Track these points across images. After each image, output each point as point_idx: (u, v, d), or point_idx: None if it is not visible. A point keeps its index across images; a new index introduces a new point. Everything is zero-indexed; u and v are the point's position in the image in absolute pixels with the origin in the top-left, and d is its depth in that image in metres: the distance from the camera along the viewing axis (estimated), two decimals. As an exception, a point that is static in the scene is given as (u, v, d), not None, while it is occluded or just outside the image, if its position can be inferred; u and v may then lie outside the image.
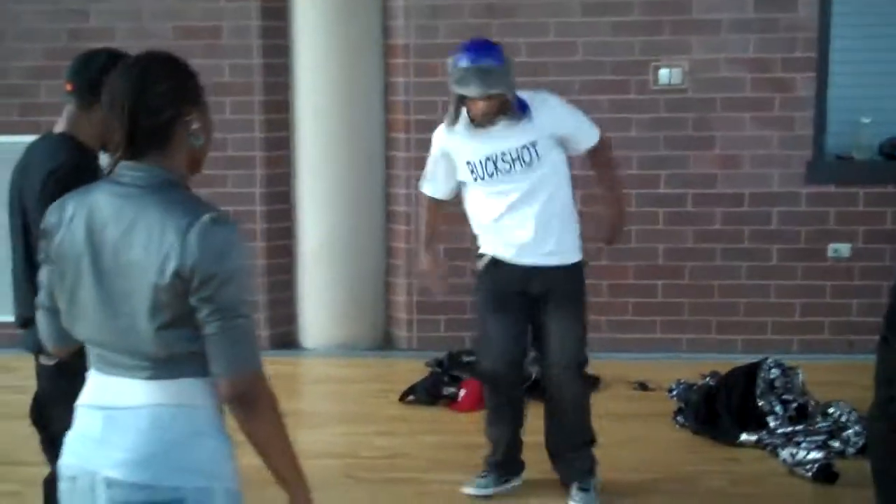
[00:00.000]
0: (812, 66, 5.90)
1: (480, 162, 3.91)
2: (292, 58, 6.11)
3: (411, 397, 5.28)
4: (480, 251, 4.10)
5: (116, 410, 2.04)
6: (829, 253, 5.97)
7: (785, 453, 4.43)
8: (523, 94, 3.91)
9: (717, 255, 6.04)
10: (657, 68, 5.94)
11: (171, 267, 1.94)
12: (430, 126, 6.02)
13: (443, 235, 6.06)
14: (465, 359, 5.46)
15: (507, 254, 3.99)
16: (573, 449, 4.11)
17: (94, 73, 2.85)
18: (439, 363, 5.57)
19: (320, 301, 6.24)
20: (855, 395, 4.86)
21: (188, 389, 2.03)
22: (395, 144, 6.17)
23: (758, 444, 4.61)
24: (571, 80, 5.92)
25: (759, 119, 5.94)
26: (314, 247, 6.20)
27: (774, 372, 4.94)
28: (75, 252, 2.05)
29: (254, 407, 2.02)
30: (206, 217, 1.97)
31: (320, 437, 4.95)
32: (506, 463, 4.19)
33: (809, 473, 4.28)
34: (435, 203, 4.24)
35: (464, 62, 3.79)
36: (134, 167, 2.04)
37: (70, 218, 2.06)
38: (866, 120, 5.91)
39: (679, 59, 5.93)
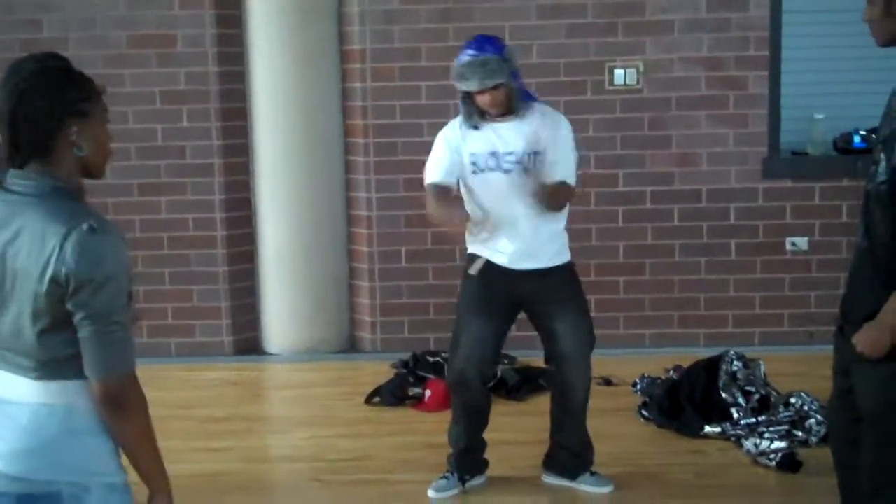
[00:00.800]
0: (765, 65, 5.98)
1: (483, 155, 3.92)
2: (248, 65, 6.09)
3: (376, 399, 5.28)
4: (470, 251, 4.08)
5: (4, 404, 2.15)
6: (787, 246, 6.05)
7: (749, 444, 4.48)
8: (545, 106, 4.02)
9: (676, 251, 6.10)
10: (612, 69, 5.99)
11: (49, 274, 2.03)
12: (389, 130, 6.08)
13: (408, 237, 6.10)
14: (430, 359, 5.48)
15: (499, 260, 3.99)
16: (583, 442, 4.19)
17: None
18: (404, 364, 5.57)
19: (283, 306, 6.23)
20: (816, 385, 4.91)
21: (70, 390, 2.12)
22: (353, 149, 6.17)
23: (721, 436, 4.65)
24: (528, 83, 5.91)
25: (714, 117, 6.01)
26: (275, 252, 6.19)
27: (736, 364, 5.00)
28: None
29: (123, 409, 2.12)
30: (84, 225, 2.04)
31: (286, 441, 4.94)
32: (468, 462, 4.20)
33: (773, 463, 4.33)
34: (437, 187, 4.01)
35: (462, 58, 3.85)
36: (22, 175, 2.12)
37: None
38: (819, 116, 5.99)
39: (633, 60, 5.99)
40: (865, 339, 2.79)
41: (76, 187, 2.16)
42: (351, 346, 6.34)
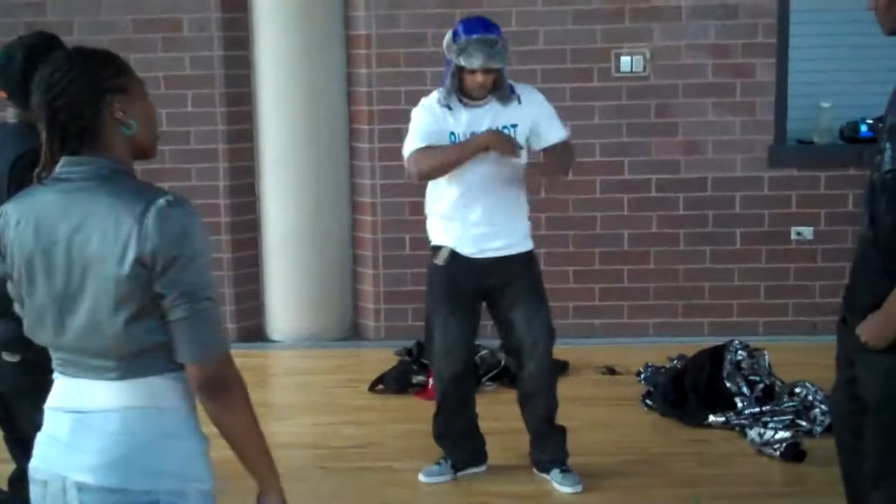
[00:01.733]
0: (772, 52, 5.95)
1: (464, 135, 3.92)
2: (253, 49, 6.07)
3: (380, 386, 5.28)
4: (435, 243, 4.08)
5: (84, 414, 2.00)
6: (792, 236, 6.03)
7: (753, 433, 4.47)
8: (511, 83, 3.99)
9: (681, 239, 6.08)
10: (619, 56, 5.96)
11: (131, 255, 1.90)
12: (393, 116, 6.05)
13: (411, 225, 6.08)
14: (434, 347, 5.47)
15: (465, 249, 4.00)
16: (548, 433, 4.14)
17: (17, 77, 2.90)
18: (408, 352, 5.56)
19: (287, 293, 6.22)
20: (820, 375, 4.89)
21: (157, 389, 1.99)
22: (358, 135, 6.15)
23: (725, 425, 4.65)
24: (533, 69, 5.93)
25: (720, 105, 5.98)
26: (280, 239, 6.18)
27: (741, 354, 4.99)
28: (25, 257, 2.00)
29: (225, 393, 1.98)
30: (161, 200, 1.93)
31: (290, 428, 4.93)
32: (460, 451, 4.21)
33: (777, 453, 4.32)
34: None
35: (468, 34, 3.83)
36: (77, 161, 1.98)
37: (16, 223, 2.01)
38: (826, 104, 5.97)
39: (640, 47, 5.96)
40: (869, 330, 2.78)
41: (133, 168, 2.04)
42: (354, 333, 6.33)
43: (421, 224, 6.05)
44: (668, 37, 5.94)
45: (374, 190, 6.13)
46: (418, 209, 6.01)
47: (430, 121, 3.96)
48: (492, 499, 4.04)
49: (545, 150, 4.07)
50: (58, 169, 2.00)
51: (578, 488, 4.06)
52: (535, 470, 4.20)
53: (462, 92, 3.93)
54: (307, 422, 4.96)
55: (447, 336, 4.04)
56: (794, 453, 4.29)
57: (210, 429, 2.04)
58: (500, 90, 3.92)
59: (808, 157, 6.04)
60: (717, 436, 4.61)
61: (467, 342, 4.09)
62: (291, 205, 6.12)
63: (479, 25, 3.87)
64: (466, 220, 3.98)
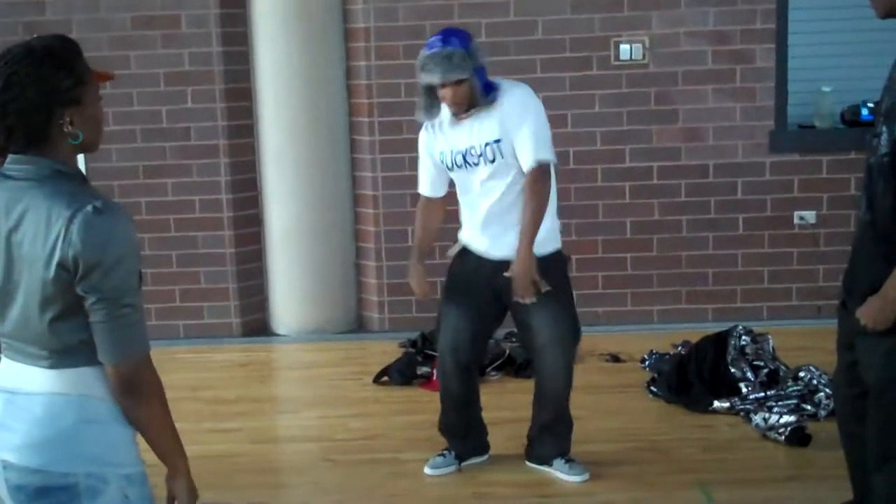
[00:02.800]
0: (771, 37, 5.94)
1: (451, 153, 3.91)
2: (252, 45, 6.07)
3: (385, 378, 5.29)
4: (459, 236, 4.08)
5: (16, 395, 2.10)
6: (795, 220, 6.03)
7: (757, 418, 4.48)
8: (498, 81, 3.89)
9: (683, 226, 6.09)
10: (618, 44, 5.96)
11: (55, 260, 1.98)
12: (393, 109, 6.06)
13: (413, 216, 6.06)
14: (438, 338, 5.48)
15: (478, 246, 3.98)
16: (556, 428, 4.10)
17: None
18: (412, 343, 5.57)
19: (291, 287, 6.23)
20: (825, 359, 4.89)
21: (85, 379, 2.08)
22: (358, 128, 6.16)
23: (730, 411, 4.65)
24: (532, 59, 5.93)
25: (720, 91, 5.98)
26: (282, 233, 6.19)
27: (745, 339, 4.99)
28: None
29: (137, 394, 2.08)
30: (89, 206, 1.99)
31: (296, 421, 4.96)
32: (461, 443, 4.21)
33: (782, 437, 4.33)
34: (427, 201, 4.16)
35: (426, 50, 3.78)
36: (21, 160, 2.06)
37: None
38: (827, 89, 5.96)
39: (639, 35, 5.95)
40: (869, 313, 2.79)
41: (76, 170, 2.11)
42: (359, 325, 6.34)
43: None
44: (666, 24, 5.93)
45: (376, 182, 6.13)
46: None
47: (423, 160, 4.06)
48: (497, 488, 4.04)
49: None
50: (6, 165, 2.07)
51: (586, 476, 4.05)
52: (528, 463, 4.17)
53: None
54: (313, 415, 4.97)
55: (451, 329, 4.03)
56: (798, 437, 4.30)
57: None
58: (480, 99, 3.78)
59: (809, 142, 6.03)
60: (722, 421, 4.61)
61: (474, 337, 4.06)
62: (293, 199, 6.13)
63: (438, 39, 3.77)
64: (475, 220, 3.97)
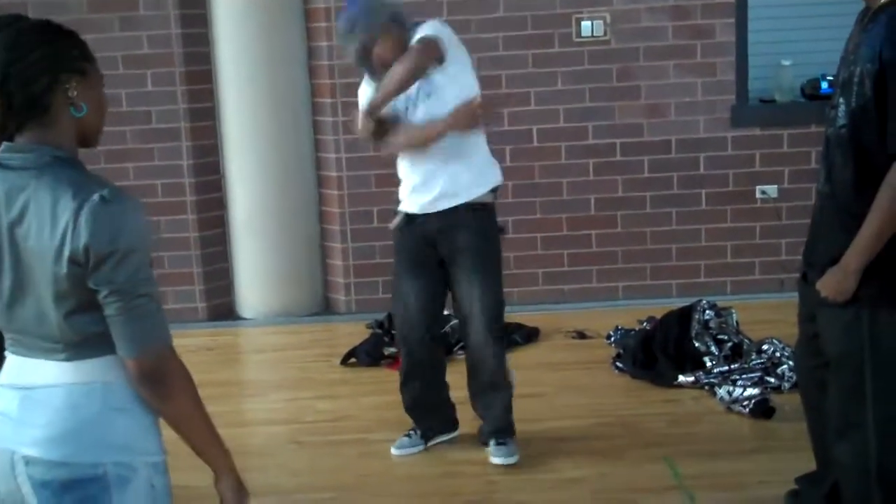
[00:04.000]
0: (731, 12, 5.96)
1: (393, 104, 3.86)
2: (212, 26, 6.02)
3: (352, 360, 5.29)
4: (399, 208, 4.06)
5: (32, 390, 2.01)
6: (757, 195, 6.07)
7: (722, 391, 4.52)
8: (424, 26, 3.84)
9: (647, 202, 6.11)
10: (579, 21, 5.96)
11: (66, 253, 1.90)
12: (356, 89, 5.98)
13: (378, 197, 6.06)
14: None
15: (412, 207, 3.95)
16: (491, 407, 4.07)
17: None
18: (379, 324, 5.57)
19: (256, 270, 6.21)
20: (788, 331, 4.92)
21: (104, 366, 1.99)
22: (321, 109, 6.13)
23: (695, 385, 4.69)
24: (495, 37, 5.92)
25: (682, 66, 6.00)
26: (246, 216, 6.15)
27: (708, 313, 5.04)
28: None
29: (163, 386, 1.99)
30: (95, 196, 1.90)
31: (263, 404, 4.95)
32: (428, 419, 4.21)
33: (746, 410, 4.37)
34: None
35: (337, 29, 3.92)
36: (18, 147, 1.96)
37: None
38: (787, 62, 5.99)
39: (600, 11, 5.96)
40: (829, 284, 2.82)
41: (76, 155, 2.01)
42: (325, 307, 6.33)
43: (388, 196, 6.05)
44: (627, 0, 5.94)
45: (340, 163, 6.11)
46: (384, 181, 6.02)
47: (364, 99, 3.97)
48: (465, 466, 4.06)
49: None
50: (0, 154, 1.98)
51: (511, 460, 3.98)
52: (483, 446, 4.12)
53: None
54: (280, 398, 4.97)
55: (404, 302, 4.01)
56: (762, 410, 4.35)
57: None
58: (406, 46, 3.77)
59: (770, 116, 6.07)
60: (687, 395, 4.65)
61: (425, 307, 4.01)
62: (257, 181, 6.09)
63: (342, 14, 3.88)
64: (407, 176, 3.96)
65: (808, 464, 3.38)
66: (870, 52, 2.67)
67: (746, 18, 5.97)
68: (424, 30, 3.80)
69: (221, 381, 5.21)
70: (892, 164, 2.65)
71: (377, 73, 3.85)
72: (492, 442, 4.06)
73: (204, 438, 2.07)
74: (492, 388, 4.06)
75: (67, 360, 1.99)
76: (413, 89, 3.82)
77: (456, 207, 3.88)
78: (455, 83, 3.82)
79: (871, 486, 2.87)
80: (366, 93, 3.97)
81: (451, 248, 3.92)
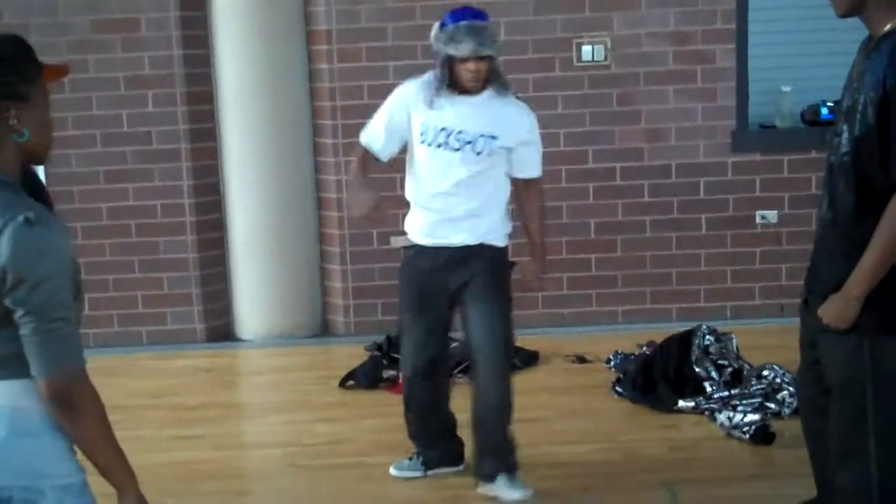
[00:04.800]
0: (732, 38, 5.98)
1: (435, 129, 3.78)
2: (213, 48, 6.03)
3: (351, 382, 5.27)
4: (406, 228, 4.00)
5: None
6: (757, 220, 6.07)
7: (722, 417, 4.50)
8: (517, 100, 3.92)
9: (647, 226, 6.11)
10: (580, 45, 5.97)
11: None
12: (356, 111, 6.03)
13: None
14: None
15: (425, 240, 3.90)
16: (497, 440, 3.93)
17: None
18: (378, 347, 5.55)
19: (255, 292, 6.19)
20: (788, 357, 4.91)
21: (17, 390, 2.02)
22: (321, 131, 6.13)
23: (695, 410, 4.67)
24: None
25: (682, 91, 6.01)
26: (246, 237, 6.14)
27: (708, 338, 5.02)
28: None
29: (73, 407, 2.01)
30: (20, 218, 1.93)
31: (261, 427, 4.93)
32: (431, 451, 4.13)
33: (747, 436, 4.35)
34: (367, 159, 3.98)
35: (455, 21, 3.67)
36: None
37: None
38: (787, 88, 6.00)
39: (601, 36, 5.97)
40: (831, 311, 2.81)
41: (15, 178, 2.03)
42: (324, 330, 6.31)
43: (387, 219, 6.06)
44: (628, 25, 5.96)
45: (340, 185, 6.11)
46: (384, 204, 6.02)
47: (391, 113, 3.89)
48: (465, 491, 4.03)
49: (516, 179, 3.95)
50: None
51: (528, 493, 3.87)
52: (479, 485, 3.97)
53: (453, 85, 3.75)
54: (278, 420, 4.94)
55: (414, 343, 3.96)
56: (763, 435, 4.32)
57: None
58: (498, 80, 3.77)
59: (770, 142, 6.08)
60: (687, 421, 4.63)
61: (438, 346, 3.98)
62: (256, 202, 6.09)
63: (468, 13, 3.72)
64: (424, 210, 3.91)
65: (808, 490, 3.36)
66: (873, 79, 2.67)
67: (747, 44, 5.98)
68: (525, 109, 3.92)
69: (218, 403, 5.19)
70: (895, 192, 2.64)
71: (449, 89, 3.75)
72: (501, 477, 3.89)
73: (109, 459, 2.08)
74: (497, 419, 3.90)
75: None
76: (471, 131, 3.77)
77: (478, 244, 3.88)
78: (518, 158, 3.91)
79: (874, 511, 2.86)
80: (407, 94, 3.87)
81: (463, 278, 3.85)
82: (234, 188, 6.13)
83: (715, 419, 4.54)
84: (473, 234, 3.86)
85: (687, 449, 4.37)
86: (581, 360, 5.50)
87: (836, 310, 2.79)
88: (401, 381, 5.16)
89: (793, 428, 4.39)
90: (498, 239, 3.92)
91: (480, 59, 3.67)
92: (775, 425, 4.40)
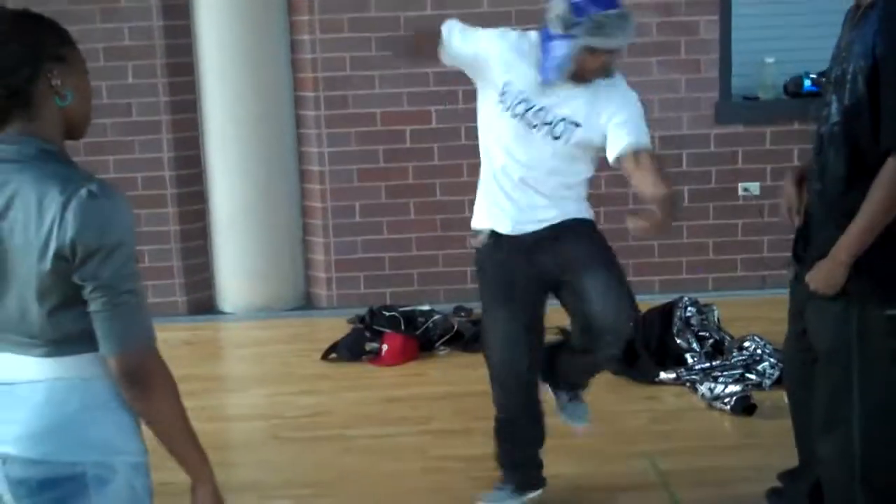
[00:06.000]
0: (715, 9, 5.97)
1: (517, 95, 3.26)
2: (194, 18, 5.97)
3: (333, 355, 5.27)
4: (474, 227, 3.49)
5: (11, 385, 1.97)
6: (740, 191, 6.09)
7: (703, 388, 4.52)
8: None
9: (629, 199, 6.10)
10: (564, 16, 5.94)
11: (51, 249, 1.87)
12: (339, 83, 6.00)
13: (361, 192, 6.04)
14: (387, 313, 5.46)
15: (504, 226, 3.38)
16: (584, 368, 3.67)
17: None
18: (361, 319, 5.55)
19: (237, 264, 6.17)
20: (769, 328, 4.97)
21: (86, 363, 1.96)
22: (303, 103, 6.09)
23: (677, 382, 4.70)
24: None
25: (666, 63, 6.00)
26: (228, 210, 6.11)
27: (690, 310, 5.04)
28: None
29: (145, 385, 1.95)
30: (83, 191, 1.87)
31: (244, 399, 4.93)
32: (522, 481, 3.68)
33: (728, 407, 4.38)
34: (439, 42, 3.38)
35: (600, 7, 3.12)
36: (3, 140, 1.92)
37: None
38: (770, 60, 6.00)
39: (585, 6, 5.94)
40: (818, 277, 2.82)
41: (63, 148, 1.98)
42: (307, 302, 6.30)
43: (370, 191, 6.06)
44: (611, -4, 5.92)
45: (322, 158, 6.08)
46: (367, 176, 6.02)
47: (495, 44, 3.32)
48: (448, 462, 4.05)
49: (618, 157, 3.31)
50: None
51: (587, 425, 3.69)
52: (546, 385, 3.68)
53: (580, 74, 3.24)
54: (261, 393, 4.94)
55: (496, 338, 3.46)
56: (744, 406, 4.35)
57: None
58: (610, 73, 3.31)
59: (753, 113, 6.08)
60: (669, 392, 4.66)
61: (521, 342, 3.43)
62: (238, 175, 6.06)
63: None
64: (502, 200, 3.39)
65: (789, 460, 3.39)
66: (862, 48, 2.67)
67: (730, 15, 5.98)
68: (620, 86, 3.38)
69: (201, 375, 5.17)
70: (887, 160, 2.65)
71: (570, 77, 3.24)
72: (564, 394, 3.66)
73: (183, 443, 2.02)
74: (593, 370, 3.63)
75: (48, 356, 1.95)
76: (553, 112, 3.26)
77: (566, 220, 3.40)
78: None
79: (854, 482, 2.88)
80: (511, 45, 3.32)
81: (557, 251, 3.34)
82: (216, 160, 6.09)
83: (696, 390, 4.57)
84: (546, 217, 3.38)
85: (668, 420, 4.39)
86: (564, 332, 5.49)
87: (824, 275, 2.80)
88: (383, 352, 5.18)
89: (773, 399, 4.44)
90: (580, 214, 3.47)
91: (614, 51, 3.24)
92: (756, 396, 4.43)
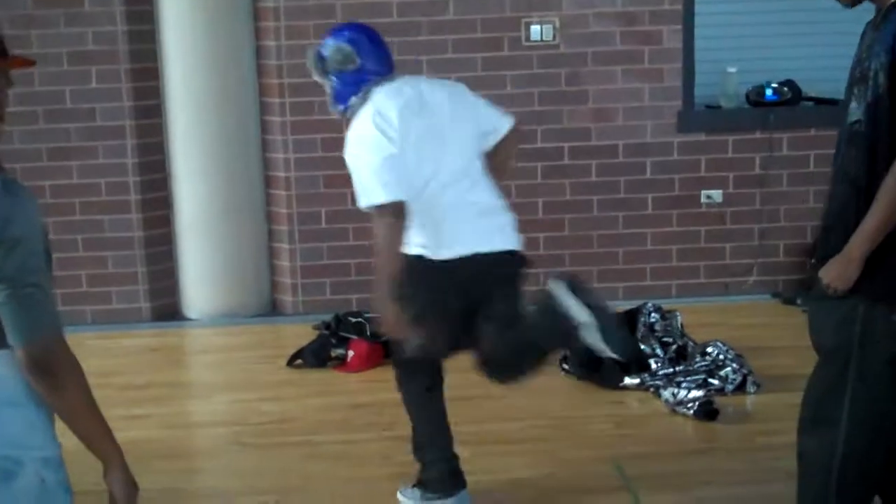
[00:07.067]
0: (678, 19, 6.03)
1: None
2: (158, 24, 5.95)
3: (299, 361, 5.26)
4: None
5: None
6: (702, 199, 6.14)
7: (667, 394, 4.56)
8: (377, 90, 3.68)
9: (594, 206, 6.16)
10: (528, 25, 5.99)
11: None
12: (305, 89, 5.99)
13: (327, 198, 6.03)
14: (353, 320, 5.46)
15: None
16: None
17: None
18: (326, 326, 5.54)
19: (202, 270, 6.14)
20: (731, 334, 5.04)
21: None
22: (269, 109, 6.09)
23: (641, 387, 4.73)
24: (444, 39, 5.93)
25: (630, 72, 6.05)
26: (192, 216, 6.09)
27: (654, 316, 5.09)
28: None
29: (53, 375, 1.98)
30: None
31: (208, 406, 4.91)
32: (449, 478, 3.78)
33: (691, 412, 4.42)
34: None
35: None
36: None
37: None
38: (732, 69, 6.07)
39: (549, 16, 5.99)
40: (832, 271, 2.82)
41: None
42: (272, 309, 6.29)
43: (336, 197, 6.05)
44: (576, 5, 5.98)
45: (288, 164, 6.08)
46: (333, 182, 6.01)
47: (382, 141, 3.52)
48: (413, 468, 4.02)
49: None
50: None
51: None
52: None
53: None
54: (225, 399, 4.92)
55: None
56: (706, 411, 4.39)
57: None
58: (330, 107, 3.87)
59: (715, 122, 6.14)
60: (633, 397, 4.69)
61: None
62: (203, 180, 6.04)
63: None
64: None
65: (751, 465, 3.42)
66: (883, 46, 2.71)
67: (693, 25, 6.04)
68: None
69: (165, 382, 5.15)
70: None
71: None
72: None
73: (94, 430, 2.06)
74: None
75: None
76: None
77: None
78: None
79: (830, 483, 2.89)
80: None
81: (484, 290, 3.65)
82: (181, 166, 6.07)
83: (660, 395, 4.60)
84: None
85: (633, 425, 4.43)
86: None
87: (837, 271, 2.80)
88: (349, 359, 5.16)
89: (735, 404, 4.49)
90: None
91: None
92: (718, 401, 4.47)
